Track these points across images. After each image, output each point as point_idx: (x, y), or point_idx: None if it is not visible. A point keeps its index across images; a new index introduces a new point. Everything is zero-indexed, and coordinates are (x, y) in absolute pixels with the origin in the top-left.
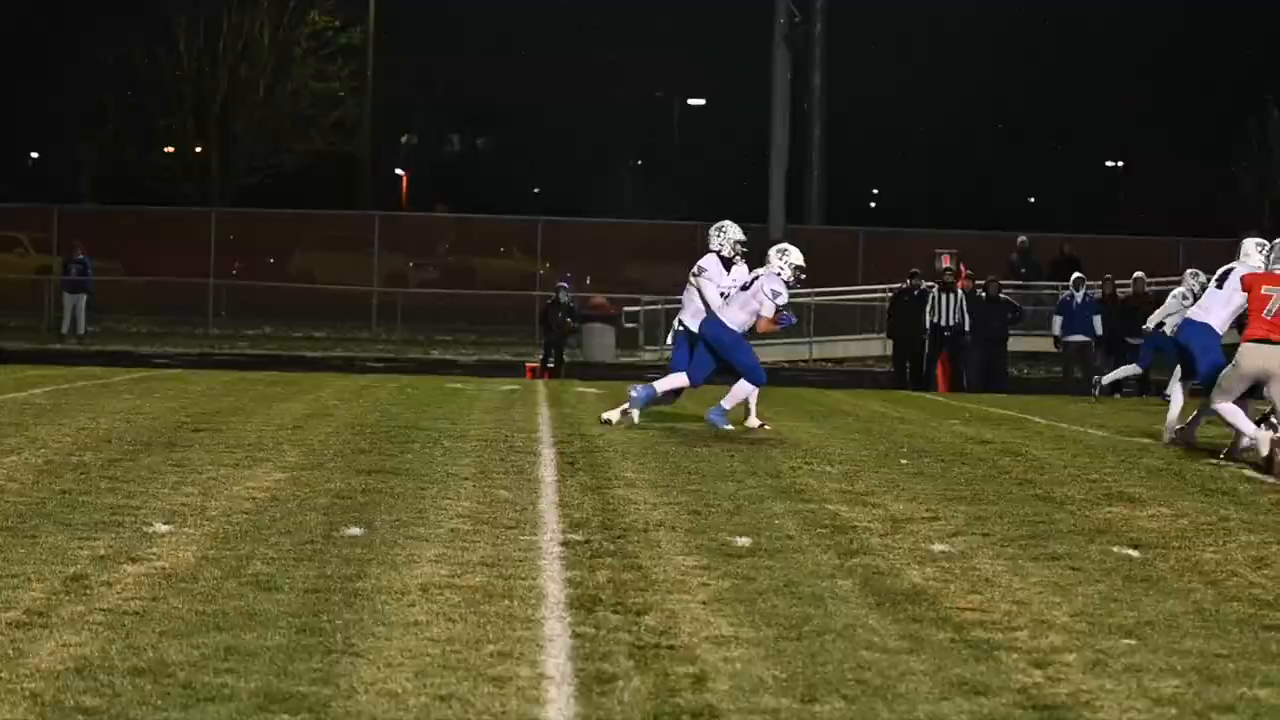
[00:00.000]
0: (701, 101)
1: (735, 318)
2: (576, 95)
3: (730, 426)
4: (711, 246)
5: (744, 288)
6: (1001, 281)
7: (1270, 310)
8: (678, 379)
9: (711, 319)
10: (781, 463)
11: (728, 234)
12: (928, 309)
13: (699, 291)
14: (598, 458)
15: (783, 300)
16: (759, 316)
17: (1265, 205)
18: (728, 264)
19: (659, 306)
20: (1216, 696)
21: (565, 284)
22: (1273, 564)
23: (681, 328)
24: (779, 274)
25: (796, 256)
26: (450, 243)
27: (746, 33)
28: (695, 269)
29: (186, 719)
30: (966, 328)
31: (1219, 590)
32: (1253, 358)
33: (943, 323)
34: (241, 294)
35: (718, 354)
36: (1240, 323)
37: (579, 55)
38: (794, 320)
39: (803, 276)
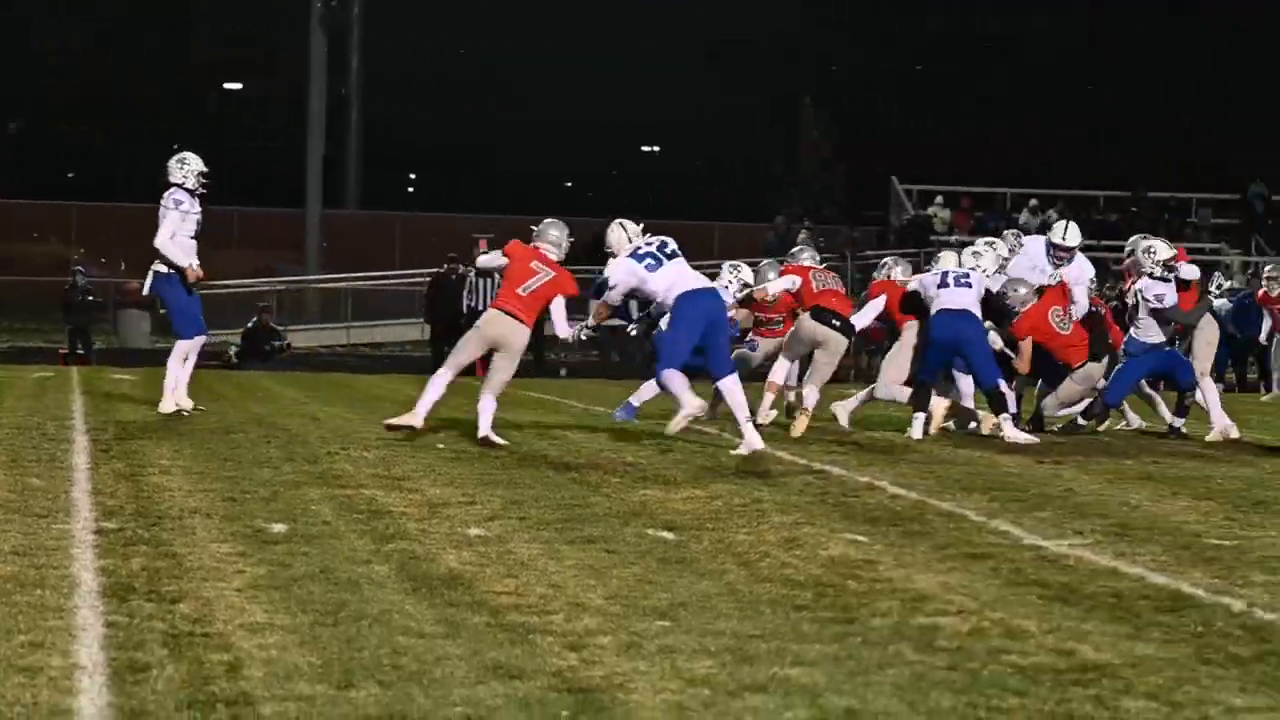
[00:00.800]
0: (238, 86)
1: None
2: (112, 79)
3: (637, 420)
4: (174, 179)
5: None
6: None
7: (528, 288)
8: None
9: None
10: (318, 449)
11: (190, 165)
12: (465, 293)
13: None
14: (132, 444)
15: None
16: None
17: (797, 188)
18: (192, 195)
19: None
20: (749, 676)
21: (81, 268)
22: (803, 544)
23: (167, 270)
24: (727, 287)
25: (747, 275)
26: None
27: (283, 18)
28: (169, 201)
29: None
30: None
31: (752, 571)
32: (489, 325)
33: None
34: None
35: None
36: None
37: (117, 40)
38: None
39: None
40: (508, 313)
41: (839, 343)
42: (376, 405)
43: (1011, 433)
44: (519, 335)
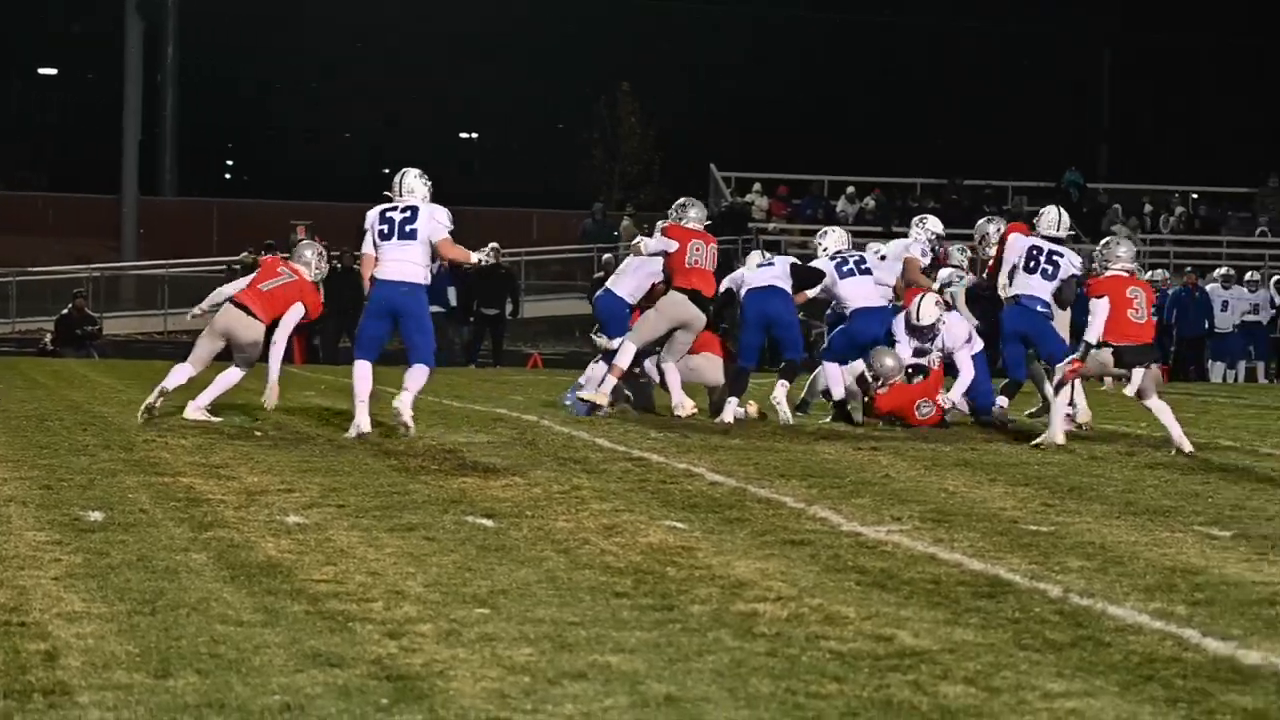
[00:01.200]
0: (53, 71)
1: (626, 285)
2: None
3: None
4: None
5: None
6: (356, 253)
7: (269, 285)
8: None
9: (604, 291)
10: (135, 436)
11: None
12: None
13: None
14: None
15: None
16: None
17: (615, 175)
18: None
19: (10, 279)
20: (568, 664)
21: None
22: (623, 532)
23: None
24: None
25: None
26: None
27: (99, 3)
28: None
29: None
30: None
31: (571, 558)
32: (221, 318)
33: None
34: None
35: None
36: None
37: None
38: None
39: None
40: (240, 305)
41: (702, 323)
42: (194, 392)
43: (730, 413)
44: (249, 330)
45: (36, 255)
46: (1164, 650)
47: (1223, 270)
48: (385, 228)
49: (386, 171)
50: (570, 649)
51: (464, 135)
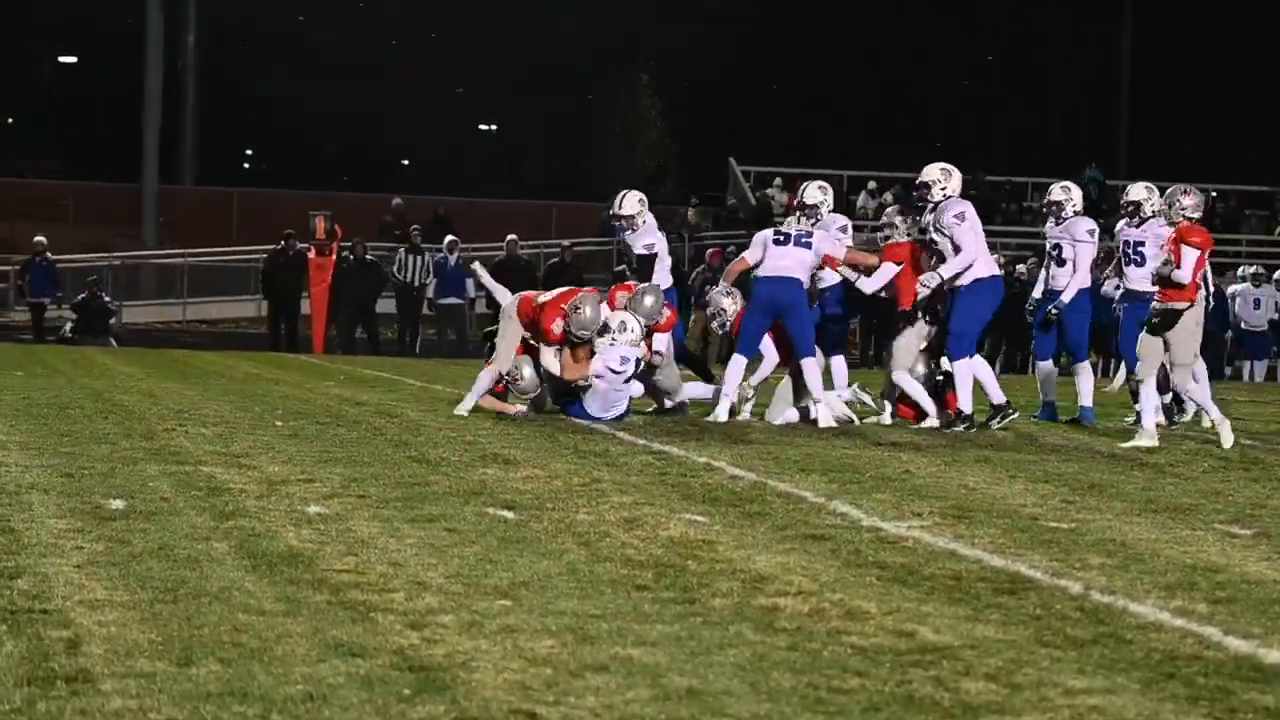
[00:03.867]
0: (74, 59)
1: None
2: None
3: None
4: None
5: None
6: (369, 244)
7: None
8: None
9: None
10: (155, 425)
11: None
12: (395, 269)
13: None
14: None
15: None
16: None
17: (637, 167)
18: None
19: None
20: (590, 656)
21: None
22: (643, 524)
23: None
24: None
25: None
26: None
27: None
28: None
29: None
30: None
31: (592, 551)
32: None
33: (414, 282)
34: None
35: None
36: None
37: None
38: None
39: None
40: None
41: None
42: (213, 381)
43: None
44: None
45: (57, 243)
46: (1185, 648)
47: (1252, 269)
48: (780, 238)
49: (406, 163)
50: (592, 641)
51: (483, 127)
